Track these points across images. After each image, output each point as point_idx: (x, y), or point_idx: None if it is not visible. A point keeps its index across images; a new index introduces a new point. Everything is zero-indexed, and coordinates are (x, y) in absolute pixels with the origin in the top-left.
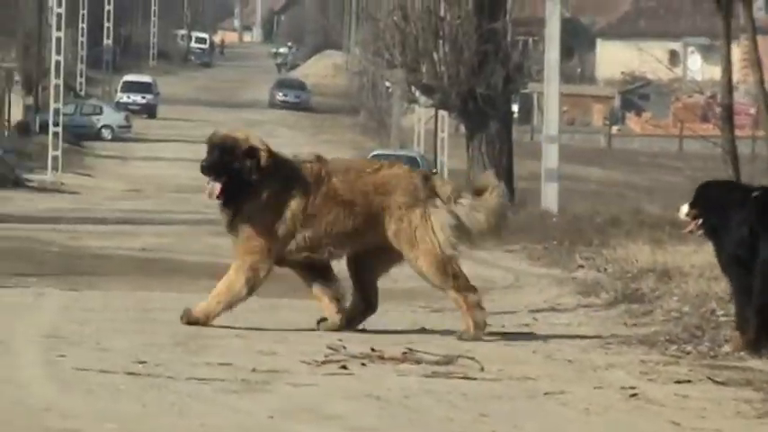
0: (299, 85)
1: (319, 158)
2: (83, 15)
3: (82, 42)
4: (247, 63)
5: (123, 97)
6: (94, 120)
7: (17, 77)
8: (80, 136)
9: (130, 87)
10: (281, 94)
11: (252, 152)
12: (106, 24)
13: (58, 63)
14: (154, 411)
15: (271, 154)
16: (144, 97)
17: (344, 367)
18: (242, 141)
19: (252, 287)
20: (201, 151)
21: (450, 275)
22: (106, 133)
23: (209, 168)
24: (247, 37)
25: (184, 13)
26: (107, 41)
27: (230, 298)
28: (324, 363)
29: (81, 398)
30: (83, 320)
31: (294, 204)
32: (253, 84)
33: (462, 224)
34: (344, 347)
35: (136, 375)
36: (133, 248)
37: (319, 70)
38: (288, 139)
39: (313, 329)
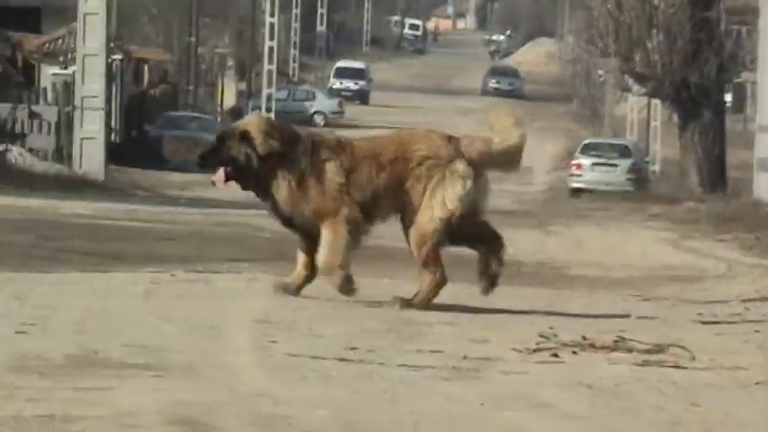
0: (513, 73)
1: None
2: (297, 1)
3: (295, 28)
4: (460, 50)
5: (336, 83)
6: (307, 105)
7: (230, 63)
8: (293, 121)
9: (343, 73)
10: (494, 81)
11: (245, 136)
12: (320, 10)
13: (271, 49)
14: (365, 398)
15: (269, 134)
16: (357, 83)
17: (556, 355)
18: (236, 128)
19: (356, 239)
20: None
21: (429, 254)
22: (319, 119)
23: (201, 161)
24: (461, 24)
25: (398, 0)
26: (321, 27)
27: (340, 257)
28: (535, 351)
29: (293, 384)
30: (294, 306)
31: (330, 166)
32: (466, 71)
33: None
34: (556, 335)
35: (347, 362)
36: None
37: (532, 58)
38: None
39: (524, 316)
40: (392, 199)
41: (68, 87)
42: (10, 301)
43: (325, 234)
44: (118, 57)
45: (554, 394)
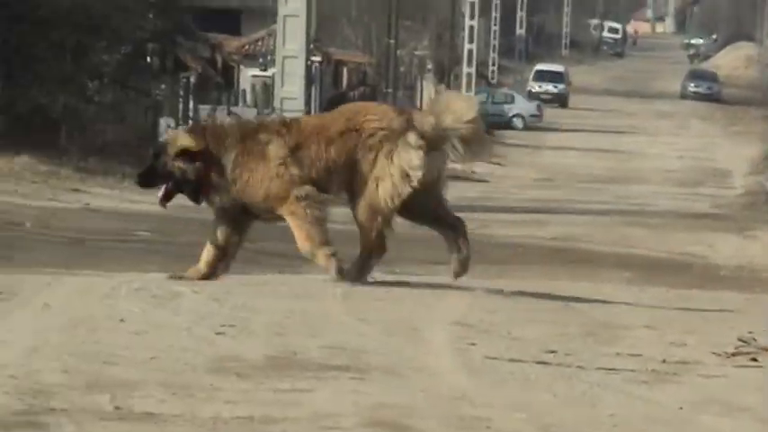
0: (711, 77)
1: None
2: (496, 4)
3: (495, 31)
4: (659, 53)
5: (535, 86)
6: (506, 108)
7: (429, 65)
8: (491, 124)
9: (542, 76)
10: (692, 85)
11: (181, 153)
12: (519, 13)
13: (470, 51)
14: (563, 401)
15: (203, 140)
16: (555, 86)
17: (755, 359)
18: (169, 143)
19: (320, 211)
20: (614, 141)
21: (374, 228)
22: (517, 122)
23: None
24: (660, 27)
25: (597, 3)
26: (520, 30)
27: (315, 234)
28: (734, 354)
29: (492, 387)
30: (492, 309)
31: (273, 148)
32: (664, 74)
33: (438, 157)
34: (755, 339)
35: (546, 365)
36: (543, 237)
37: (731, 62)
38: (699, 130)
39: (723, 320)
40: (344, 173)
41: (267, 89)
42: (209, 302)
43: (289, 220)
44: (317, 59)
45: (753, 399)
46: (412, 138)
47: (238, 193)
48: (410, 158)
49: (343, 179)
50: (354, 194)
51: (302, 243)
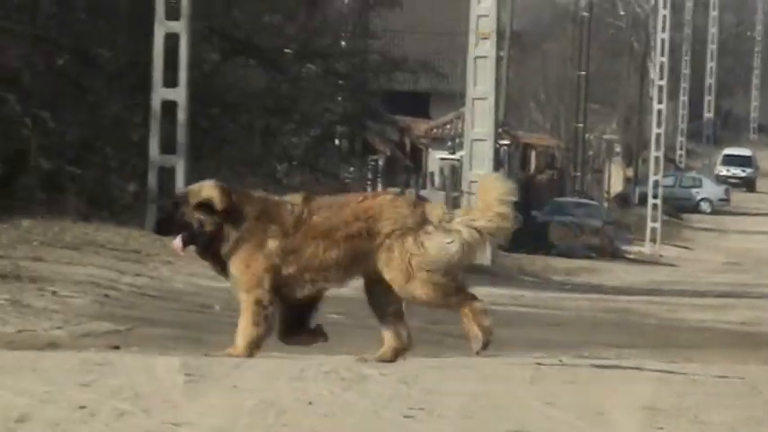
0: None
1: (306, 198)
2: (684, 88)
3: (683, 115)
4: None
5: (723, 170)
6: (693, 192)
7: (618, 149)
8: (679, 208)
9: (730, 160)
10: None
11: (202, 204)
12: (707, 97)
13: (658, 135)
14: None
15: (228, 199)
16: (744, 170)
17: None
18: (192, 194)
19: (266, 321)
20: None
21: (452, 296)
22: (705, 206)
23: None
24: None
25: None
26: (708, 114)
27: (252, 339)
28: None
29: None
30: (681, 393)
31: (271, 244)
32: None
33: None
34: None
35: None
36: (732, 322)
37: None
38: None
39: None
40: (352, 269)
41: (456, 172)
42: (398, 385)
43: (242, 310)
44: (505, 142)
45: None
46: (430, 229)
47: (225, 258)
48: (438, 242)
49: (350, 274)
50: (402, 289)
51: (239, 336)
